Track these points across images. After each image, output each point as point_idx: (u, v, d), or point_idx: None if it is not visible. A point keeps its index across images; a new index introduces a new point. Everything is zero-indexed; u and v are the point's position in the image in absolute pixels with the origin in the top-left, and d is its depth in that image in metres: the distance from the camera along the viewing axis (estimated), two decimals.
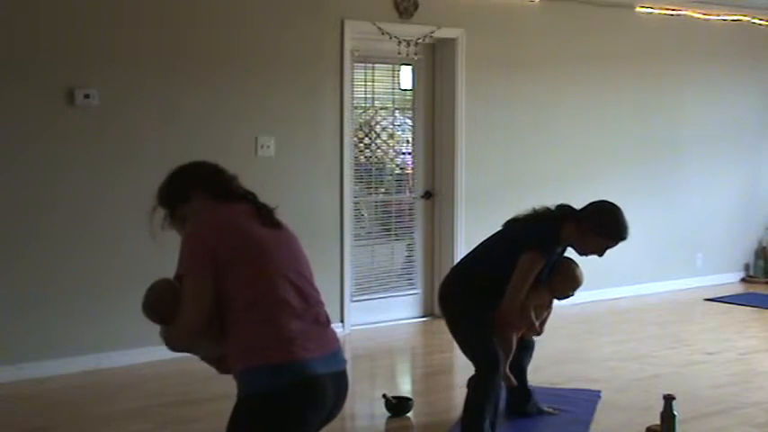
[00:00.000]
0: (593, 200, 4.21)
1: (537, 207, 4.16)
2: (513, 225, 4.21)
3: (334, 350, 2.60)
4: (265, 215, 2.66)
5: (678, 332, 6.58)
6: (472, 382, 4.03)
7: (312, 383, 2.47)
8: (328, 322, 2.64)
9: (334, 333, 2.66)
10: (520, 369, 4.42)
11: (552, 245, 4.05)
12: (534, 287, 4.06)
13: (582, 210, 4.10)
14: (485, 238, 4.35)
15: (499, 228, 4.31)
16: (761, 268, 8.65)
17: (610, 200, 4.22)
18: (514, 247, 4.00)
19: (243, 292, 2.49)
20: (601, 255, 4.11)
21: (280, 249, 2.60)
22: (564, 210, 4.11)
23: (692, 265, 8.30)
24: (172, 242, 2.71)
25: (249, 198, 2.69)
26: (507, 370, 4.18)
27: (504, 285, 4.02)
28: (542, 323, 4.28)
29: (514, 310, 4.03)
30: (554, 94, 7.33)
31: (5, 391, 4.99)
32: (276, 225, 2.66)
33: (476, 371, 4.03)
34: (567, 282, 4.19)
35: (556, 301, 4.31)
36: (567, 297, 4.27)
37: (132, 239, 5.42)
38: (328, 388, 2.51)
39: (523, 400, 4.53)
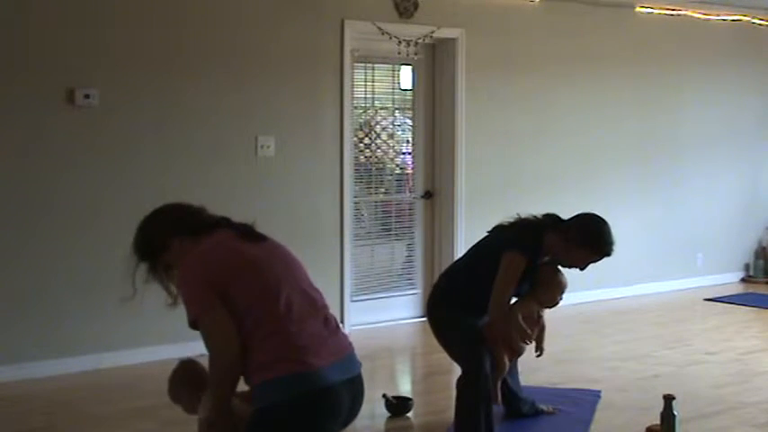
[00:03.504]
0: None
1: (522, 215, 4.11)
2: (497, 232, 4.16)
3: (347, 355, 2.60)
4: (247, 232, 2.66)
5: (678, 332, 6.58)
6: (460, 384, 4.02)
7: (327, 393, 2.47)
8: (338, 326, 2.65)
9: (345, 337, 2.66)
10: (510, 374, 4.37)
11: (533, 248, 3.98)
12: (521, 298, 4.05)
13: (568, 220, 4.05)
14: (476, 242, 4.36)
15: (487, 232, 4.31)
16: (761, 268, 8.65)
17: (599, 211, 4.18)
18: (496, 253, 3.95)
19: (249, 312, 2.49)
20: (582, 268, 4.05)
21: (274, 261, 2.61)
22: (549, 218, 4.08)
23: (692, 265, 8.30)
24: None
25: (224, 223, 2.69)
26: (498, 386, 4.12)
27: (487, 292, 3.97)
28: (539, 341, 4.20)
29: (501, 314, 3.96)
30: (554, 93, 7.33)
31: (5, 391, 4.99)
32: (261, 238, 2.67)
33: (462, 372, 4.03)
34: (551, 288, 4.10)
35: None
36: (555, 305, 4.17)
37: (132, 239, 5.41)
38: (343, 396, 2.52)
39: (516, 403, 4.50)
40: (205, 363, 2.62)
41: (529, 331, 4.06)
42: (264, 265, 2.57)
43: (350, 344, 2.66)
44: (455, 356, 4.11)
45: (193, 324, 2.51)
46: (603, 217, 4.09)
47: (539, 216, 4.10)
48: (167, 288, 2.71)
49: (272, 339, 2.47)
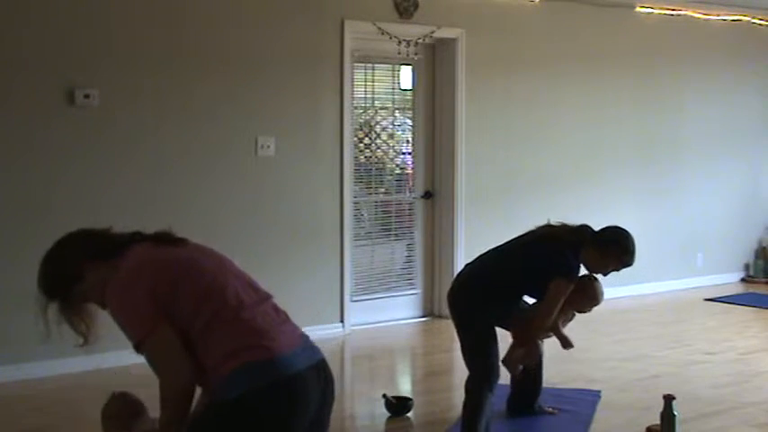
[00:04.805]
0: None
1: (556, 223, 4.22)
2: (535, 241, 4.21)
3: (305, 341, 2.47)
4: (165, 238, 2.52)
5: (678, 332, 6.58)
6: (468, 385, 4.05)
7: (293, 382, 2.31)
8: (287, 315, 2.52)
9: (297, 327, 2.51)
10: (538, 365, 4.49)
11: (578, 269, 4.15)
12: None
13: (603, 235, 4.20)
14: (492, 240, 4.42)
15: (505, 228, 4.36)
16: (761, 268, 8.65)
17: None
18: (539, 267, 4.08)
19: (198, 312, 2.34)
20: (605, 275, 4.25)
21: (206, 259, 2.49)
22: (585, 233, 4.19)
23: (692, 265, 8.30)
24: None
25: (138, 237, 2.53)
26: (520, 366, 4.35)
27: (518, 296, 4.22)
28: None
29: (544, 331, 4.18)
30: (554, 93, 7.33)
31: (5, 391, 4.99)
32: (182, 241, 2.53)
33: (471, 375, 4.06)
34: (589, 299, 4.28)
35: None
36: (586, 312, 4.36)
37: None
38: (311, 385, 2.36)
39: (533, 396, 4.57)
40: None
41: (570, 339, 4.26)
42: (200, 263, 2.45)
43: (303, 333, 2.51)
44: (468, 360, 4.11)
45: (138, 347, 2.35)
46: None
47: (573, 228, 4.19)
48: (77, 327, 2.58)
49: (229, 329, 2.33)
